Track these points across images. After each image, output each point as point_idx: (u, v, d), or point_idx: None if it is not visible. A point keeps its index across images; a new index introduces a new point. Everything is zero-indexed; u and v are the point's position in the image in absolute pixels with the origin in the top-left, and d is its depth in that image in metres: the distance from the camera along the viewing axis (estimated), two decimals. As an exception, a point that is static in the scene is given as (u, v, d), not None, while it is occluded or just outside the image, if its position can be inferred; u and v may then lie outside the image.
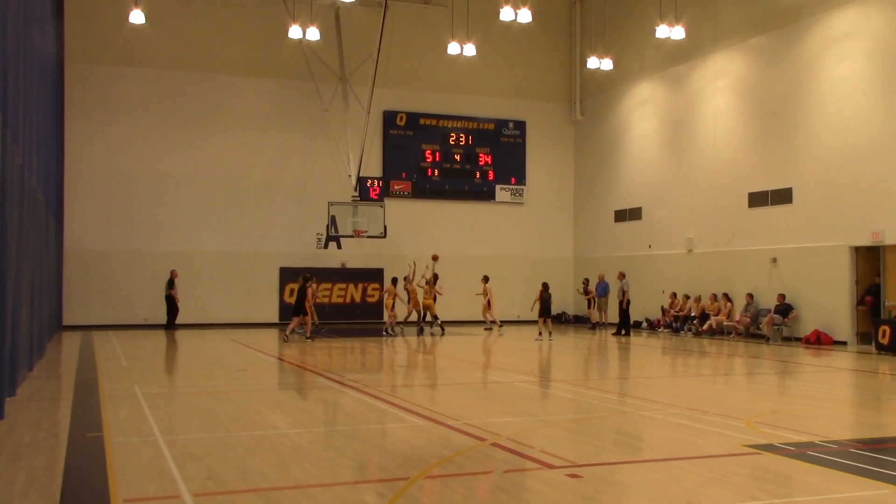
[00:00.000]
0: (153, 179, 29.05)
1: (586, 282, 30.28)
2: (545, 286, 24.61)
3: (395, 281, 25.88)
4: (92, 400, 11.81)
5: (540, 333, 24.21)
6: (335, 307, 29.59)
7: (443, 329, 25.97)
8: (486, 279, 27.43)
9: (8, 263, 10.17)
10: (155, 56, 29.16)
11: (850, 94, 22.07)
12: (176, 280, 27.80)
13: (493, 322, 27.69)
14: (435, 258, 26.43)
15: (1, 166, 9.64)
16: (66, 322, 27.44)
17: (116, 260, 28.47)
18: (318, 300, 27.25)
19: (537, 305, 24.44)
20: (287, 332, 23.31)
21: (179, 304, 27.83)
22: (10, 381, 11.07)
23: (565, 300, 33.65)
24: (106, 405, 11.28)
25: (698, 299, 26.69)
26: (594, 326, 29.61)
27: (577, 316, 33.41)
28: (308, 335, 23.44)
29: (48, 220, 19.35)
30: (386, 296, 25.74)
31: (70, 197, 27.79)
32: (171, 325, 27.67)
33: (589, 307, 30.27)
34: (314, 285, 25.31)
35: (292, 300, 30.07)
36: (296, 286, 30.01)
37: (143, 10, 25.79)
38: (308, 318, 23.77)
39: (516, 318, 32.20)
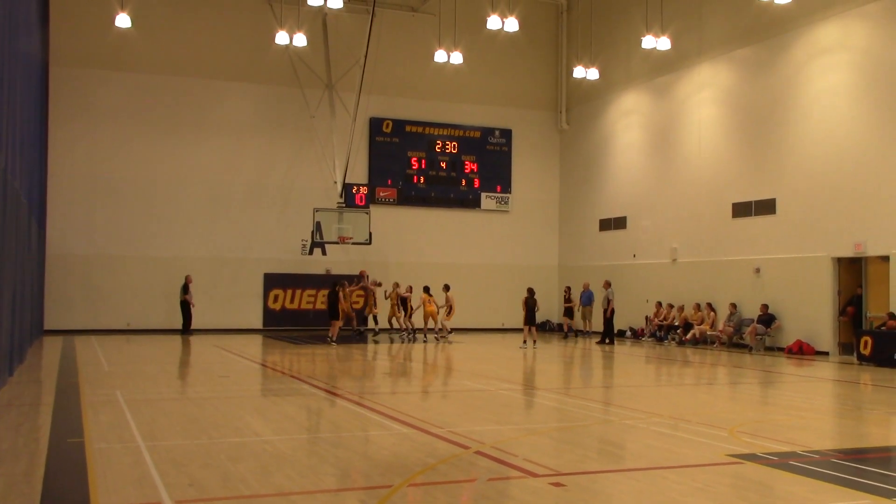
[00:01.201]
0: (137, 184, 28.90)
1: (568, 290, 30.20)
2: (531, 292, 24.57)
3: (427, 289, 26.18)
4: (73, 405, 11.72)
5: (525, 341, 24.21)
6: (319, 313, 29.47)
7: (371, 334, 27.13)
8: (447, 288, 26.69)
9: (-11, 267, 10.09)
10: (141, 60, 29.04)
11: (834, 106, 22.25)
12: (191, 286, 27.80)
13: (442, 329, 26.74)
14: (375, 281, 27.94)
15: (-16, 169, 9.57)
16: (47, 326, 27.20)
17: (99, 264, 28.30)
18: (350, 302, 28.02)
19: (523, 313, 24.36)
20: (331, 337, 24.35)
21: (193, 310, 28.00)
22: (-9, 385, 10.99)
23: (550, 308, 33.68)
24: (87, 410, 11.20)
25: (681, 308, 26.78)
26: (567, 335, 29.48)
27: (562, 324, 33.39)
28: (334, 339, 24.27)
29: (31, 223, 19.23)
30: (427, 304, 25.80)
31: (53, 201, 27.61)
32: (185, 331, 27.72)
33: (564, 315, 30.12)
34: (346, 289, 26.46)
35: (276, 306, 30.18)
36: (280, 292, 30.25)
37: (129, 14, 25.76)
38: (338, 323, 24.77)
39: (500, 326, 32.24)
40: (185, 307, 27.76)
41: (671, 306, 27.31)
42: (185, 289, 27.78)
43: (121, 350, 21.97)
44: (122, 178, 28.74)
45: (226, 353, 21.53)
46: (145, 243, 28.87)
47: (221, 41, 30.10)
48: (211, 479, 7.35)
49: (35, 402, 12.37)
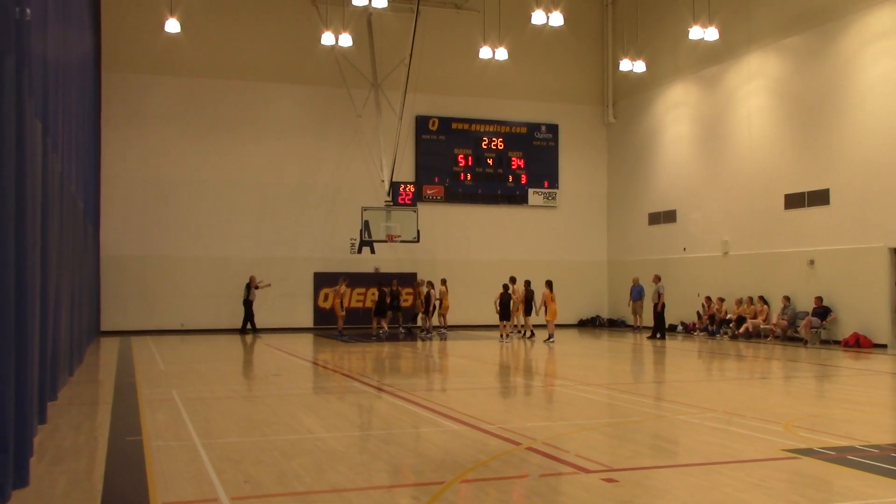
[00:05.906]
0: (188, 186, 29.37)
1: (513, 280, 26.68)
2: (505, 287, 26.12)
3: (444, 281, 26.87)
4: (131, 404, 11.96)
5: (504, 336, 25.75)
6: (369, 311, 29.61)
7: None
8: (549, 284, 25.54)
9: (49, 270, 10.33)
10: (189, 64, 29.50)
11: (888, 94, 21.75)
12: (255, 290, 28.23)
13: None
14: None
15: (42, 174, 9.79)
16: (104, 328, 27.79)
17: (152, 265, 28.82)
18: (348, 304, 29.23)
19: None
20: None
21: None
22: (52, 385, 11.24)
23: (599, 304, 33.52)
24: (144, 409, 11.42)
25: (739, 302, 26.20)
26: (523, 333, 26.60)
27: (612, 319, 33.21)
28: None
29: (86, 226, 19.63)
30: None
31: (107, 203, 28.16)
32: (244, 330, 28.18)
33: (527, 313, 26.32)
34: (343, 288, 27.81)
35: (326, 305, 30.43)
36: (330, 291, 30.43)
37: (178, 20, 26.23)
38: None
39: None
40: (248, 306, 28.13)
41: (722, 300, 26.93)
42: (248, 288, 28.17)
43: (175, 350, 22.35)
44: (172, 180, 29.23)
45: (277, 351, 21.77)
46: (196, 244, 29.33)
47: (268, 44, 30.43)
48: (266, 475, 7.45)
49: (94, 401, 12.65)
